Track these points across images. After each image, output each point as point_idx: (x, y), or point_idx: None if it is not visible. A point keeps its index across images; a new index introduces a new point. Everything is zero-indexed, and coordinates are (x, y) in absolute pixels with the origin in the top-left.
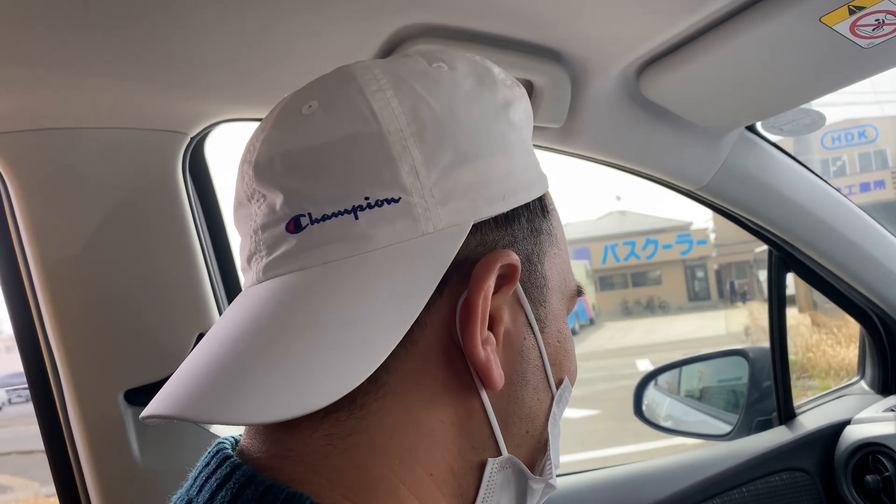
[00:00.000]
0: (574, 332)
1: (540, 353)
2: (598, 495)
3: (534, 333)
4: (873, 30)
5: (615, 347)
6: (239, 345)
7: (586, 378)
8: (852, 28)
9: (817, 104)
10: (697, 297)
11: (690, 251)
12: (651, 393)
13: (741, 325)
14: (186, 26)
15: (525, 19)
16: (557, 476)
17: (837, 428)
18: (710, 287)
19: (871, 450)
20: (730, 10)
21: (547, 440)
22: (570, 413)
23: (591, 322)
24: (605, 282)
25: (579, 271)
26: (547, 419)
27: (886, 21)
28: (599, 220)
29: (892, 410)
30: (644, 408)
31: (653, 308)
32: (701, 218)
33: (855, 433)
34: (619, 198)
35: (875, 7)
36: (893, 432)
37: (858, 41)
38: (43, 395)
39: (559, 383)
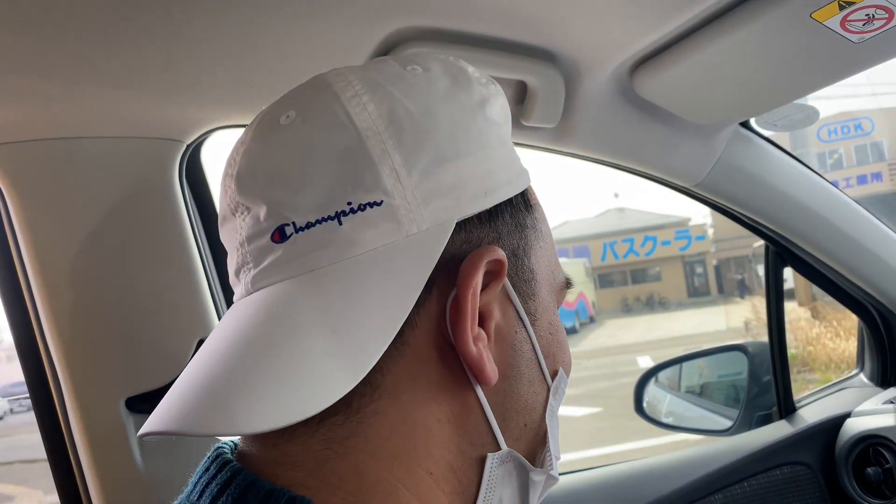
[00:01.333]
0: (574, 331)
1: (532, 346)
2: (601, 493)
3: (525, 327)
4: (864, 24)
5: (616, 345)
6: (231, 357)
7: (588, 376)
8: (843, 23)
9: (812, 98)
10: (697, 293)
11: (689, 247)
12: (652, 390)
13: (741, 319)
14: (181, 34)
15: (517, 21)
16: (559, 475)
17: (837, 421)
18: (709, 282)
19: (871, 442)
20: (721, 8)
21: (546, 432)
22: (572, 411)
23: (592, 320)
24: (604, 279)
25: (579, 269)
26: (544, 411)
27: (876, 16)
28: (598, 218)
29: (892, 402)
30: (645, 405)
31: (653, 305)
32: (699, 214)
33: (855, 426)
34: (617, 195)
35: (865, 2)
36: (893, 424)
37: (849, 36)
38: (44, 405)
39: (554, 374)
